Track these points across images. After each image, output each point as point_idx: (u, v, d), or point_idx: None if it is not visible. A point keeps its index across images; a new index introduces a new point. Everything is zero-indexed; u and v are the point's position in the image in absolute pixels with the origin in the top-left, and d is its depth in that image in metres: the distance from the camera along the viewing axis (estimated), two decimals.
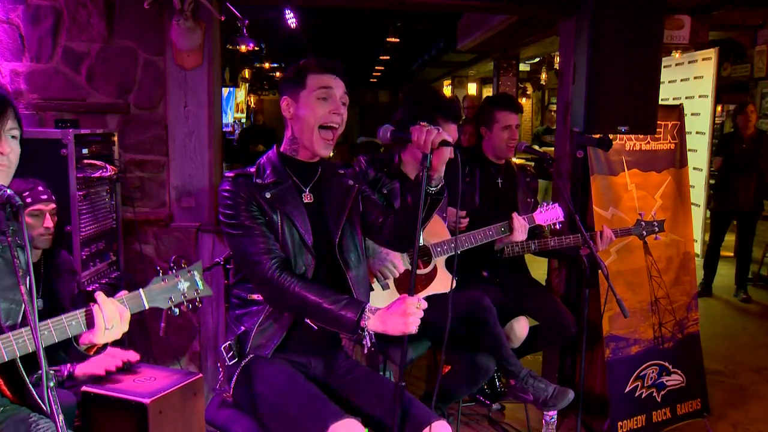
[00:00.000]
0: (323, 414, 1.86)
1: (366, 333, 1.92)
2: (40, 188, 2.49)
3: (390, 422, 1.94)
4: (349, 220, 2.13)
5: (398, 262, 2.66)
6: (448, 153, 1.93)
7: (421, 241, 2.76)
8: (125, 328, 1.60)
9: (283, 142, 2.13)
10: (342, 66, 2.06)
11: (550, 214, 2.97)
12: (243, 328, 2.08)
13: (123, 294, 1.63)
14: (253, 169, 2.07)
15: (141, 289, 1.64)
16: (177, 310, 1.69)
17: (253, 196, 2.00)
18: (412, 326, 1.84)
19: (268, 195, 2.01)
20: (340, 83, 2.05)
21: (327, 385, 2.09)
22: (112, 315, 1.55)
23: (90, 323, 1.56)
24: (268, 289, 1.98)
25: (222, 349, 2.10)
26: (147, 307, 1.64)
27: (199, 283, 1.72)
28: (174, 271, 1.69)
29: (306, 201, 2.09)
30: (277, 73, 13.69)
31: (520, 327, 3.09)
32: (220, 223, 2.06)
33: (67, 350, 1.61)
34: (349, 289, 2.08)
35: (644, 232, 3.17)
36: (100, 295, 1.56)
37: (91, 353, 1.64)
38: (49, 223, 2.49)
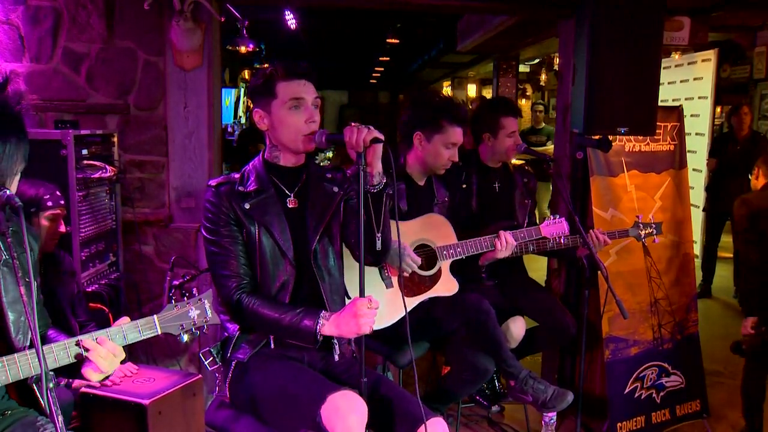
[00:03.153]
0: (321, 387, 1.89)
1: (328, 340, 1.96)
2: (58, 193, 2.54)
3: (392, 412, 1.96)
4: (328, 227, 2.13)
5: (412, 254, 2.68)
6: (381, 150, 1.96)
7: (425, 242, 2.77)
8: (119, 362, 1.63)
9: (266, 149, 2.14)
10: (310, 67, 2.07)
11: (556, 228, 2.95)
12: (226, 334, 2.11)
13: (124, 320, 1.65)
14: (237, 176, 2.09)
15: (155, 316, 1.70)
16: (185, 337, 1.74)
17: (233, 208, 2.02)
18: (365, 327, 1.87)
19: (247, 206, 2.02)
20: (311, 87, 2.06)
21: (325, 374, 2.10)
22: (110, 363, 1.58)
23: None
24: (230, 310, 2.03)
25: (201, 354, 2.13)
26: (160, 333, 1.70)
27: (209, 312, 1.78)
28: (186, 298, 1.75)
29: (290, 206, 2.10)
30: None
31: (517, 327, 3.08)
32: (202, 232, 2.08)
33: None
34: (323, 298, 2.09)
35: (642, 234, 3.17)
36: (94, 350, 1.57)
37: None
38: (63, 227, 2.55)
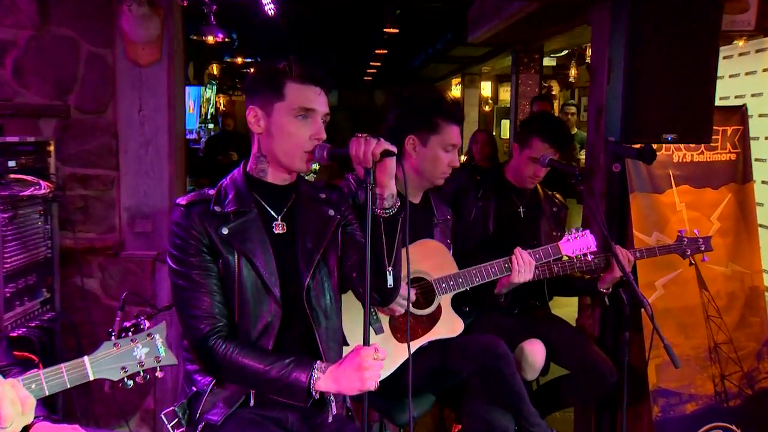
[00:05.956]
0: None
1: (321, 396, 1.93)
2: None
3: None
4: (323, 258, 2.13)
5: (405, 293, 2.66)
6: (393, 165, 1.99)
7: (420, 274, 2.76)
8: (30, 418, 1.56)
9: (250, 159, 2.13)
10: (327, 75, 2.08)
11: (579, 243, 2.96)
12: (194, 388, 2.07)
13: (35, 372, 1.59)
14: (212, 192, 2.08)
15: (86, 357, 1.64)
16: (131, 383, 1.69)
17: (207, 233, 2.00)
18: (369, 382, 1.86)
19: (225, 231, 2.02)
20: (324, 99, 2.08)
21: None
22: (9, 413, 1.50)
23: None
24: (201, 358, 2.00)
25: (162, 415, 2.08)
26: (92, 378, 1.64)
27: (161, 350, 1.73)
28: (131, 333, 1.69)
29: (277, 232, 2.10)
30: (251, 69, 13.80)
31: (534, 350, 3.05)
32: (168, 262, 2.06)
33: None
34: (317, 344, 2.08)
35: (688, 251, 3.15)
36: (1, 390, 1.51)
37: None
38: None
